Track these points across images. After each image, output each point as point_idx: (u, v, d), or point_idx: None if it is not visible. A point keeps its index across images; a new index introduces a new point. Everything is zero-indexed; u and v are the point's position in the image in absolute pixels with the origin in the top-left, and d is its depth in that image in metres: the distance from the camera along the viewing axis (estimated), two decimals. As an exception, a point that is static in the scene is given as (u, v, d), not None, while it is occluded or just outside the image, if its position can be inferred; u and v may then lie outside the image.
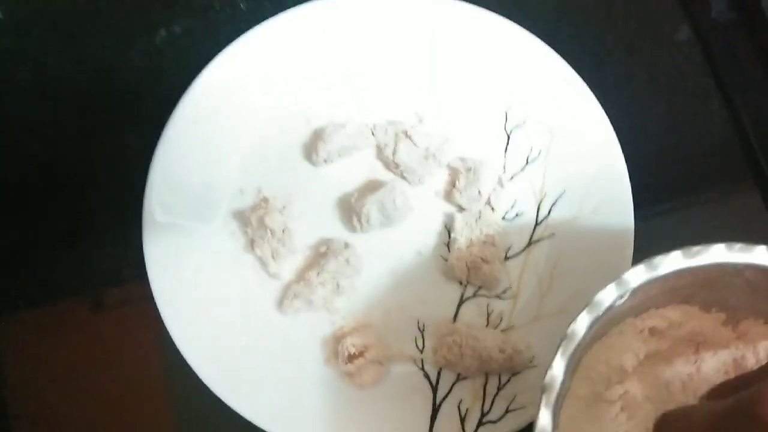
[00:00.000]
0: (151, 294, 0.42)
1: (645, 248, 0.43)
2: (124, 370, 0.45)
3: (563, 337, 0.32)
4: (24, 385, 0.45)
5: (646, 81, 0.51)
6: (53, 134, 0.50)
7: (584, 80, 0.46)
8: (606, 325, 0.35)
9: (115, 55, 0.51)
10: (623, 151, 0.45)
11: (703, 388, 0.36)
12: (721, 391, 0.32)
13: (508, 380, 0.42)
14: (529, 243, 0.45)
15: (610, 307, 0.33)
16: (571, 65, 0.46)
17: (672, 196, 0.49)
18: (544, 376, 0.32)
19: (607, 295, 0.33)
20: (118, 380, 0.45)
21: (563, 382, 0.32)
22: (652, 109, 0.50)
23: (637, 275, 0.33)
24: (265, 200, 0.45)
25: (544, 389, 0.32)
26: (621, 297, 0.33)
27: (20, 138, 0.50)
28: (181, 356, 0.42)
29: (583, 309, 0.33)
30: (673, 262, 0.33)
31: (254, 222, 0.44)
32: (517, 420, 0.41)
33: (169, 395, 0.45)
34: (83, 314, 0.46)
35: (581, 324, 0.32)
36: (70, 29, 0.51)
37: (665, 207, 0.48)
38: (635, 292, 0.33)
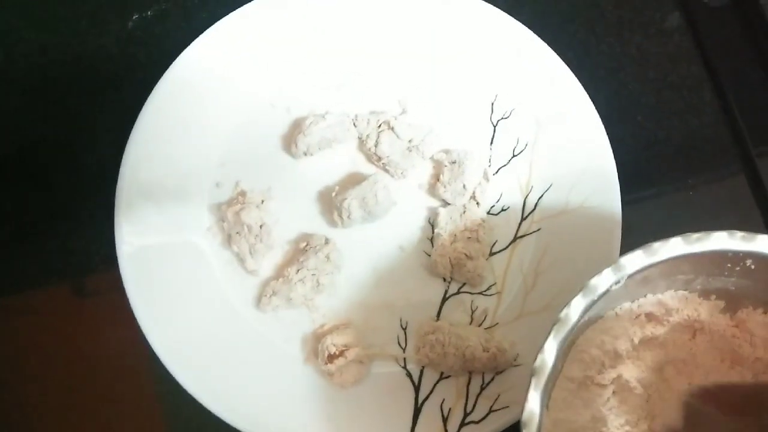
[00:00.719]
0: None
1: (630, 237, 0.42)
2: (105, 356, 0.44)
3: (556, 320, 0.32)
4: (3, 370, 0.44)
5: (636, 70, 0.49)
6: (28, 122, 0.48)
7: (572, 70, 0.44)
8: (601, 309, 0.34)
9: (87, 40, 0.49)
10: (611, 142, 0.43)
11: (698, 375, 0.36)
12: (725, 390, 0.32)
13: (492, 379, 0.41)
14: (515, 238, 0.44)
15: (606, 292, 0.32)
16: (559, 55, 0.45)
17: (660, 185, 0.48)
18: (535, 360, 0.31)
19: (603, 280, 0.32)
20: (99, 366, 0.44)
21: (554, 365, 0.31)
22: (641, 99, 0.49)
23: (635, 260, 0.33)
24: (243, 194, 0.43)
25: (533, 372, 0.31)
26: (617, 282, 0.32)
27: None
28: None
29: (579, 292, 0.32)
30: (672, 248, 0.33)
31: (231, 217, 0.42)
32: (500, 420, 0.40)
33: (152, 382, 0.44)
34: (64, 300, 0.45)
35: (575, 308, 0.32)
36: (39, 14, 0.49)
37: (652, 195, 0.48)
38: (632, 277, 0.33)
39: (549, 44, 0.45)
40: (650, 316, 0.37)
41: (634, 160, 0.44)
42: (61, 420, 0.44)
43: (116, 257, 0.42)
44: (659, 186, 0.48)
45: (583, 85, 0.44)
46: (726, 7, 0.50)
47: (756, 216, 0.47)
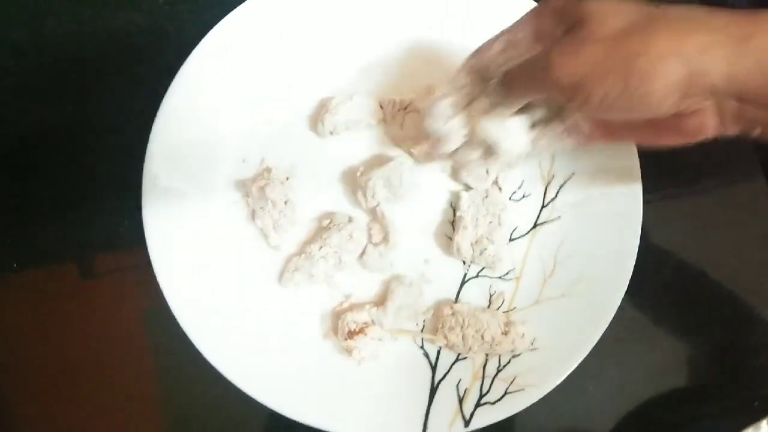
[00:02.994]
0: (143, 262, 0.42)
1: (648, 238, 0.43)
2: (112, 338, 0.45)
3: None
4: (9, 347, 0.45)
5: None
6: (50, 98, 0.48)
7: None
8: None
9: (118, 16, 0.49)
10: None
11: None
12: None
13: (508, 362, 0.42)
14: (535, 225, 0.44)
15: None
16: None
17: (678, 186, 0.48)
18: None
19: None
20: (106, 347, 0.45)
21: None
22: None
23: None
24: (268, 170, 0.44)
25: None
26: None
27: (17, 101, 0.48)
28: (171, 325, 0.41)
29: None
30: None
31: (255, 192, 0.43)
32: (516, 402, 0.40)
33: (156, 364, 0.45)
34: (73, 280, 0.46)
35: None
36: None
37: (670, 196, 0.48)
38: None
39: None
40: None
41: (654, 161, 0.44)
42: (60, 401, 0.44)
43: (130, 238, 0.43)
44: (678, 187, 0.48)
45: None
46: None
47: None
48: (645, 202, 0.43)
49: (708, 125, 0.32)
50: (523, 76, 0.35)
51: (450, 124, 0.38)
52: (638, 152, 0.43)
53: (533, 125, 0.38)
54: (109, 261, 0.46)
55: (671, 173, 0.48)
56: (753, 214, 0.48)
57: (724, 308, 0.47)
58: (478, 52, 0.37)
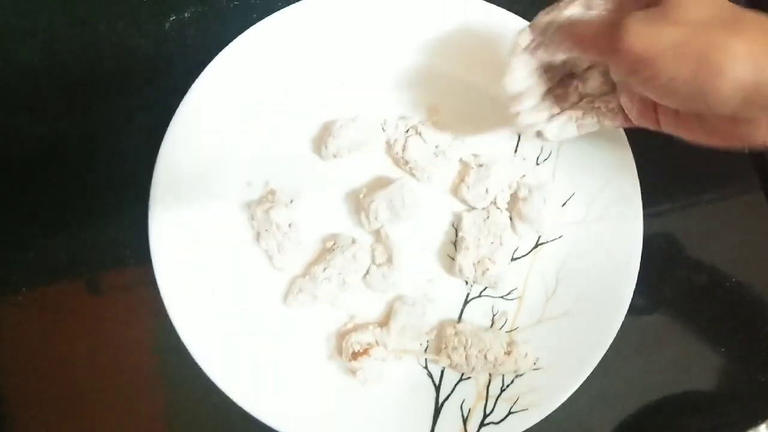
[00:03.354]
0: (149, 280, 0.42)
1: (648, 249, 0.43)
2: (118, 355, 0.45)
3: None
4: (16, 365, 0.45)
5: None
6: (59, 116, 0.49)
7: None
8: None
9: (124, 40, 0.50)
10: (633, 153, 0.44)
11: None
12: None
13: (512, 381, 0.42)
14: (537, 244, 0.45)
15: None
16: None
17: (678, 199, 0.49)
18: None
19: None
20: (112, 364, 0.45)
21: None
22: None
23: None
24: (272, 193, 0.44)
25: None
26: None
27: (25, 118, 0.49)
28: (177, 343, 0.41)
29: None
30: None
31: (260, 215, 0.43)
32: (520, 422, 0.41)
33: (163, 380, 0.45)
34: (80, 297, 0.46)
35: None
36: (78, 12, 0.50)
37: (669, 209, 0.48)
38: None
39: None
40: None
41: (654, 173, 0.45)
42: (66, 419, 0.45)
43: (136, 255, 0.43)
44: (677, 200, 0.49)
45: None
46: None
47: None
48: (646, 217, 0.44)
49: (759, 137, 0.32)
50: (590, 32, 0.34)
51: (526, 81, 0.39)
52: (638, 168, 0.44)
53: (581, 99, 0.39)
54: (117, 277, 0.47)
55: (668, 186, 0.48)
56: (750, 226, 0.48)
57: (726, 323, 0.47)
58: (552, 8, 0.37)
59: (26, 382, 0.45)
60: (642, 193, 0.44)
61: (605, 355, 0.41)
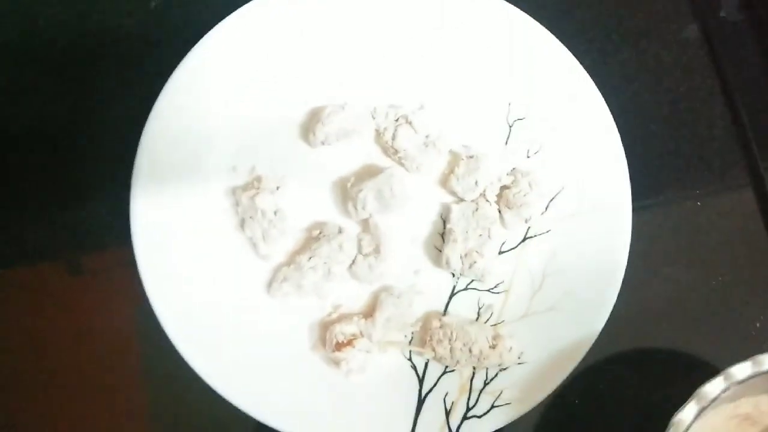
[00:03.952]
0: (132, 261, 0.41)
1: (636, 244, 0.43)
2: (99, 338, 0.45)
3: (669, 425, 0.34)
4: None
5: (651, 80, 0.50)
6: (40, 97, 0.48)
7: (589, 75, 0.45)
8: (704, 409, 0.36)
9: (107, 20, 0.49)
10: (624, 149, 0.44)
11: None
12: None
13: (496, 375, 0.42)
14: (525, 238, 0.45)
15: (715, 398, 0.34)
16: (576, 59, 0.45)
17: (668, 194, 0.49)
18: None
19: (715, 387, 0.34)
20: (93, 347, 0.44)
21: None
22: (655, 108, 0.49)
23: (743, 370, 0.35)
24: (258, 179, 0.43)
25: None
26: (726, 390, 0.34)
27: (5, 99, 0.48)
28: (159, 326, 0.41)
29: (691, 399, 0.34)
30: None
31: (245, 201, 0.43)
32: (502, 416, 0.40)
33: (144, 365, 0.44)
34: (61, 278, 0.46)
35: (688, 413, 0.34)
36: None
37: (660, 203, 0.48)
38: (739, 384, 0.35)
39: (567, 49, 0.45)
40: (747, 417, 0.38)
41: (644, 167, 0.45)
42: (46, 402, 0.44)
43: (119, 236, 0.42)
44: (668, 195, 0.49)
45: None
46: (742, 22, 0.51)
47: (761, 229, 0.48)
48: (633, 209, 0.43)
49: None
50: None
51: None
52: (628, 164, 0.44)
53: None
54: (98, 259, 0.46)
55: (659, 181, 0.48)
56: (739, 222, 0.48)
57: (713, 323, 0.47)
58: None
59: (5, 364, 0.44)
60: (631, 187, 0.44)
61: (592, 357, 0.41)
